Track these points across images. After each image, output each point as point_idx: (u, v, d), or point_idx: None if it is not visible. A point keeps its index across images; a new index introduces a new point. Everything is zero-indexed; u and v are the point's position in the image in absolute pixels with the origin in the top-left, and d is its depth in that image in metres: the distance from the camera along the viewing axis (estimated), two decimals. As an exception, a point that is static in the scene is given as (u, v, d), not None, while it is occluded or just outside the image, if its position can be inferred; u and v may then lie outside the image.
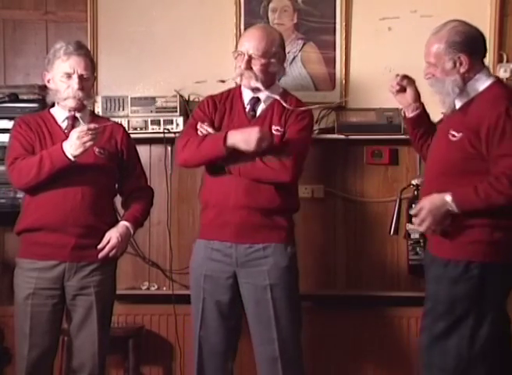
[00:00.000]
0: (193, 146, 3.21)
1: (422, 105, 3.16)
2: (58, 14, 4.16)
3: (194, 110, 3.40)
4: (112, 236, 3.21)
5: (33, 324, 3.14)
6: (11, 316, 3.90)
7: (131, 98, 3.95)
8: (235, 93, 3.35)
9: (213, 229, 3.26)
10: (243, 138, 3.13)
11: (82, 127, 3.07)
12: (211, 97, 3.39)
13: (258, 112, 3.30)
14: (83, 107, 3.23)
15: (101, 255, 3.19)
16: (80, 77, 3.17)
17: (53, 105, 3.30)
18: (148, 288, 4.11)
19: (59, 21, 4.16)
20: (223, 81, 3.35)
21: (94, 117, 3.33)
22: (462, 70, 2.88)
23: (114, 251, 3.21)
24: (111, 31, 4.07)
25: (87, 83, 3.22)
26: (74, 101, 3.18)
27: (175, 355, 4.07)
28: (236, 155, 3.16)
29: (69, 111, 3.22)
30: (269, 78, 3.29)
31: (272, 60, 3.27)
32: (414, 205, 3.92)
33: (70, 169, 3.12)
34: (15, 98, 3.50)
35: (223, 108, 3.32)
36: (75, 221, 3.15)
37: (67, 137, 3.13)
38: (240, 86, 3.35)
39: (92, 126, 3.08)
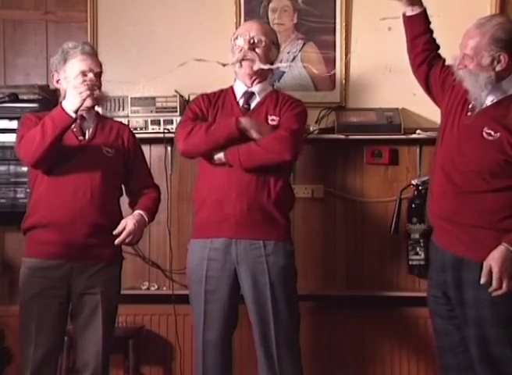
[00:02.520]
0: (201, 131, 3.21)
1: (423, 8, 3.15)
2: (58, 14, 4.16)
3: (189, 106, 3.42)
4: (128, 222, 3.21)
5: (39, 323, 3.13)
6: (11, 316, 3.92)
7: (131, 98, 3.95)
8: (227, 90, 3.37)
9: (211, 226, 3.24)
10: (257, 126, 3.18)
11: (77, 79, 3.10)
12: (206, 94, 3.41)
13: (253, 105, 3.32)
14: (96, 105, 3.25)
15: (117, 240, 3.19)
16: (96, 75, 3.20)
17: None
18: (148, 288, 4.10)
19: (59, 21, 4.16)
20: (224, 65, 3.34)
21: (99, 118, 3.34)
22: (498, 68, 2.84)
23: (131, 237, 3.21)
24: (111, 31, 4.08)
25: (100, 82, 3.23)
26: (92, 99, 3.18)
27: (175, 355, 4.07)
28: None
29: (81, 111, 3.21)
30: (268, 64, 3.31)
31: (272, 45, 3.31)
32: (414, 205, 3.96)
33: (80, 168, 3.15)
34: (15, 98, 3.49)
35: (216, 104, 3.33)
36: (83, 220, 3.15)
37: (76, 136, 3.17)
38: (231, 86, 3.37)
39: (88, 77, 3.10)
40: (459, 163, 2.88)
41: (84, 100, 3.08)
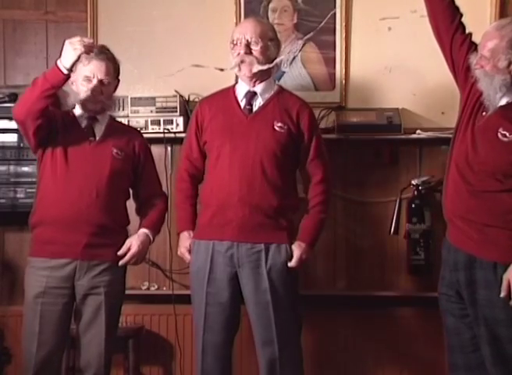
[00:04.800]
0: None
1: None
2: (58, 14, 4.16)
3: (191, 115, 3.44)
4: (133, 244, 3.24)
5: (42, 323, 3.13)
6: (11, 316, 3.93)
7: (131, 98, 3.95)
8: (229, 91, 3.35)
9: (214, 229, 3.24)
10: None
11: (75, 37, 3.04)
12: (205, 100, 3.42)
13: (256, 107, 3.29)
14: (102, 110, 3.25)
15: (121, 262, 3.22)
16: (100, 82, 3.19)
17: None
18: (148, 288, 4.11)
19: (59, 21, 4.16)
20: (222, 70, 3.34)
21: (113, 122, 3.34)
22: None
23: (134, 259, 3.25)
24: (111, 31, 4.08)
25: (107, 88, 3.23)
26: (92, 104, 3.20)
27: (175, 355, 4.07)
28: None
29: (89, 113, 3.24)
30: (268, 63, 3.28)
31: (270, 43, 3.28)
32: (414, 205, 3.96)
33: (87, 168, 3.16)
34: (15, 98, 3.50)
35: (218, 108, 3.32)
36: (89, 219, 3.15)
37: (86, 137, 3.19)
38: (233, 85, 3.35)
39: (87, 40, 3.04)
40: (473, 163, 2.87)
41: (79, 56, 3.00)
